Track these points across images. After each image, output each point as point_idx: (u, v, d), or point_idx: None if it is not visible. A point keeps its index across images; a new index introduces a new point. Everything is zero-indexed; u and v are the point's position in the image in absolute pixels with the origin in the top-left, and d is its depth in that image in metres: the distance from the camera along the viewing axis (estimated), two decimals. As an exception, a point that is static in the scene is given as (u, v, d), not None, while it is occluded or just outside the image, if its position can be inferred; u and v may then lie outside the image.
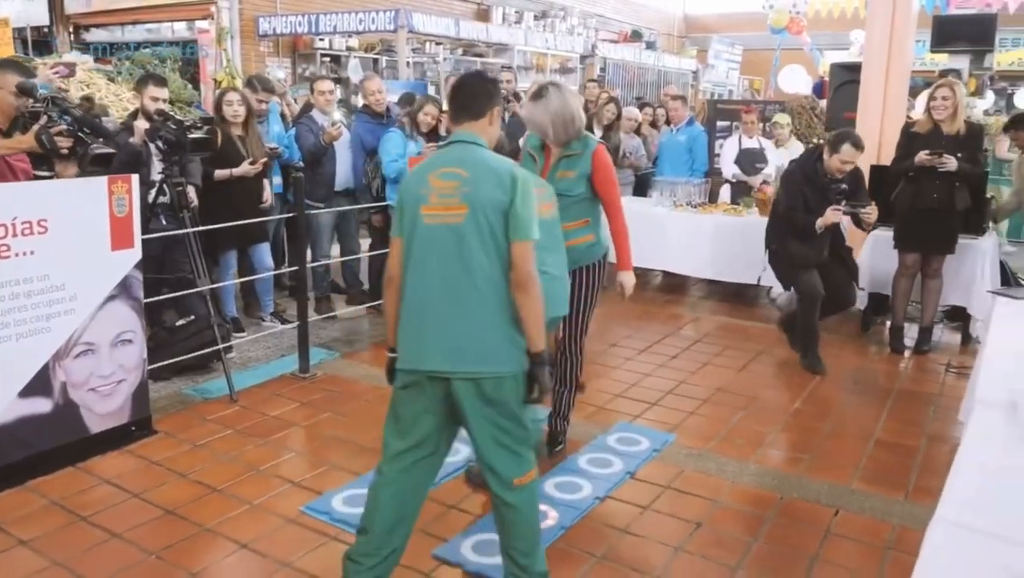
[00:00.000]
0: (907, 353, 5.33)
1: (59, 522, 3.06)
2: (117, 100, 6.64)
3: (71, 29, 11.61)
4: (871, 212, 4.73)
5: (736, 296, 6.71)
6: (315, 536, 2.99)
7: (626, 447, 3.75)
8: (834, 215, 4.69)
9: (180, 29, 10.99)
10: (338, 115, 5.71)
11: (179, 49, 7.67)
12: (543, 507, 3.16)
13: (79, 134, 3.41)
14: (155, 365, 4.35)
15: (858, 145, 4.66)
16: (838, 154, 4.66)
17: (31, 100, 3.45)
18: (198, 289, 4.38)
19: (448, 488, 3.36)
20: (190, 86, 7.24)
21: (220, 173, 5.00)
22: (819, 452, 3.80)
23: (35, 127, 3.42)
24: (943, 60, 9.26)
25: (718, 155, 7.64)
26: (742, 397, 4.49)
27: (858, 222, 4.82)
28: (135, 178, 3.69)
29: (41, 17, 11.47)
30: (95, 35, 11.63)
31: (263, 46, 10.31)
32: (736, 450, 3.80)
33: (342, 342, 5.36)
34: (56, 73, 5.76)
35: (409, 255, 2.39)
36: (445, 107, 5.77)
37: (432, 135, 5.45)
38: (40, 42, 10.84)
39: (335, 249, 6.08)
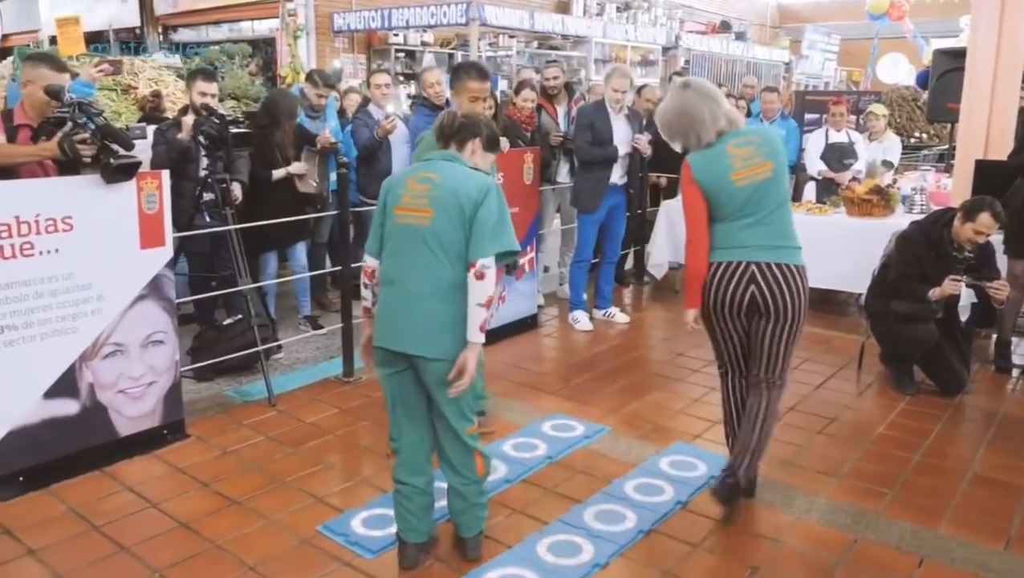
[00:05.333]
0: (1015, 372, 4.74)
1: (72, 531, 2.95)
2: (185, 97, 6.65)
3: (160, 29, 11.93)
4: (1001, 287, 4.12)
5: (822, 302, 6.18)
6: (326, 560, 2.76)
7: (680, 472, 3.38)
8: (953, 286, 4.09)
9: (262, 29, 11.09)
10: (391, 108, 5.50)
11: (248, 45, 7.64)
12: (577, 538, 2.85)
13: (104, 142, 3.27)
14: (197, 365, 4.28)
15: (998, 216, 4.05)
16: (973, 223, 4.06)
17: (56, 103, 3.31)
18: (239, 288, 4.25)
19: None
20: (258, 82, 7.21)
21: (277, 173, 4.89)
22: (904, 487, 3.33)
23: (59, 134, 3.30)
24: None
25: (803, 149, 7.09)
26: (817, 418, 4.04)
27: (984, 297, 4.25)
28: (165, 174, 3.57)
29: (133, 18, 11.84)
30: (182, 35, 11.91)
31: (338, 42, 10.30)
32: (806, 480, 3.37)
33: (393, 345, 5.16)
34: (100, 71, 5.76)
35: None
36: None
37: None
38: (136, 43, 11.15)
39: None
